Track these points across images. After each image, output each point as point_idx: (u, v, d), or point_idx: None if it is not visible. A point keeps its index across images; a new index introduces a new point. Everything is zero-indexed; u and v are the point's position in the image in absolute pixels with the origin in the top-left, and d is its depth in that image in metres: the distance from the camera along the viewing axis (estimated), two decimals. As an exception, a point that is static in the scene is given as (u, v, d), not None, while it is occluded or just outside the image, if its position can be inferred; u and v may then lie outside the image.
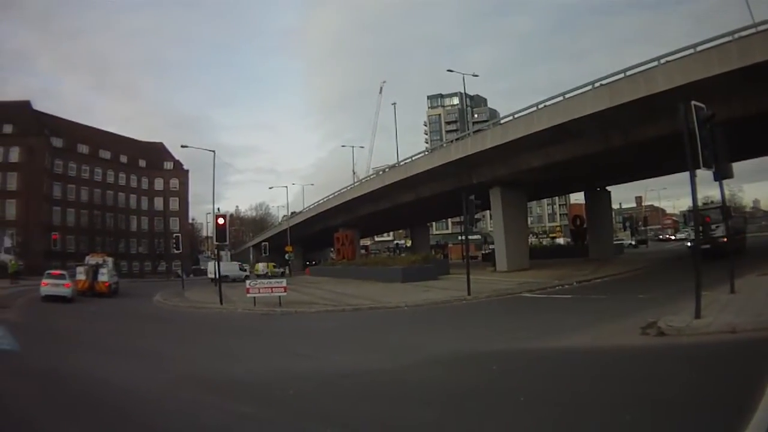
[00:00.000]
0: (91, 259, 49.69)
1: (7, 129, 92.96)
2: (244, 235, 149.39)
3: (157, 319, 32.70)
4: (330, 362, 15.83)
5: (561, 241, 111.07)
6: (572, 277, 37.87)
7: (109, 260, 51.32)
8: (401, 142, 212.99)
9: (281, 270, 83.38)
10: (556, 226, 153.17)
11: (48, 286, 40.03)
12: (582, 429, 8.34)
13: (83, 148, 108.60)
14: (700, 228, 33.72)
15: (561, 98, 38.76)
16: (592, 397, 9.86)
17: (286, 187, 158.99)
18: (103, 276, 46.92)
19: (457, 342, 17.79)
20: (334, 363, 15.60)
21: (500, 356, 14.62)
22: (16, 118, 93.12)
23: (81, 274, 46.78)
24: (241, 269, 78.44)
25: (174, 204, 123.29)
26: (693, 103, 15.62)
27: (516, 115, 43.39)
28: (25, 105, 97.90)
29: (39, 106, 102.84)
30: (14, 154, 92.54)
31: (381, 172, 70.58)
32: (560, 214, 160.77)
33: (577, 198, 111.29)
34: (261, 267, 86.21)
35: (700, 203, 31.55)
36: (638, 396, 9.61)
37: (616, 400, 9.54)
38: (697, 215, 22.04)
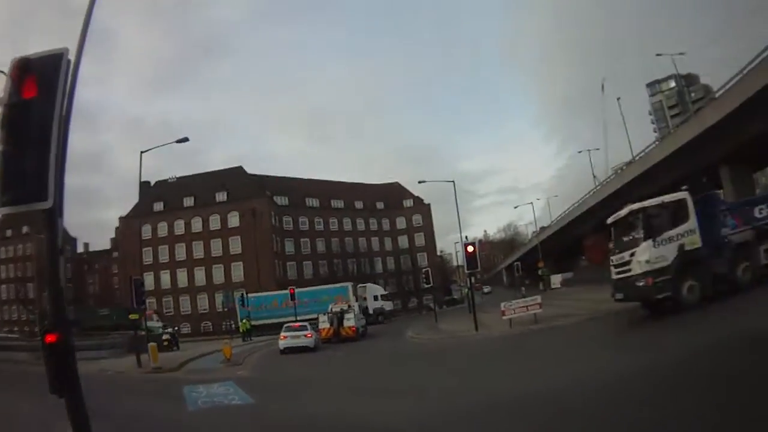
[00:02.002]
0: (335, 306, 50.29)
1: (221, 197, 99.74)
2: (495, 258, 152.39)
3: (408, 355, 32.53)
4: (591, 369, 15.81)
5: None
6: None
7: (355, 305, 52.34)
8: (631, 135, 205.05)
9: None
10: None
11: (287, 339, 39.95)
12: None
13: (312, 202, 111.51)
14: None
15: None
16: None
17: (531, 203, 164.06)
18: (350, 321, 46.72)
19: None
20: (595, 370, 15.39)
21: None
22: (230, 185, 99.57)
23: (324, 322, 47.15)
24: None
25: (419, 239, 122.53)
26: None
27: (727, 86, 40.73)
28: (238, 170, 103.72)
29: (253, 168, 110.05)
30: (234, 219, 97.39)
31: (619, 171, 69.92)
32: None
33: None
34: None
35: None
36: None
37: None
38: None
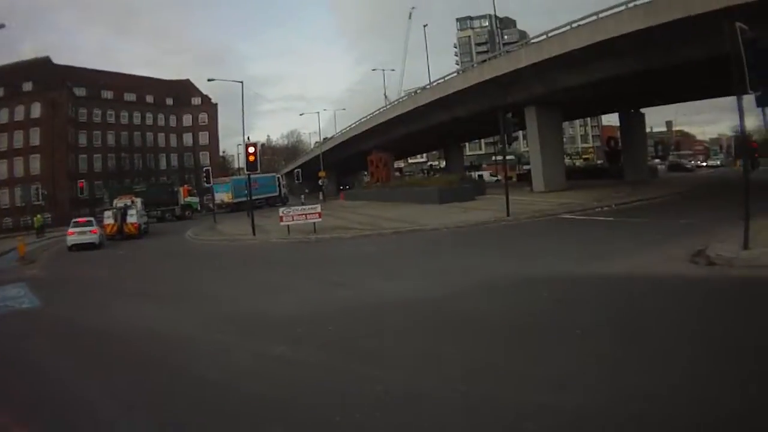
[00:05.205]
0: (119, 202, 48.79)
1: (28, 87, 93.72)
2: (276, 164, 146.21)
3: (187, 256, 32.61)
4: (371, 291, 15.70)
5: (599, 162, 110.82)
6: (611, 198, 37.20)
7: (138, 201, 50.53)
8: (432, 65, 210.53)
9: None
10: (589, 148, 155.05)
11: (74, 235, 39.65)
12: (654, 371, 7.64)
13: (107, 94, 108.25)
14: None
15: (594, 17, 38.15)
16: (660, 334, 9.31)
17: (318, 113, 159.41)
18: (132, 217, 45.95)
19: (503, 266, 17.81)
20: (376, 292, 15.45)
21: (550, 282, 14.18)
22: (36, 75, 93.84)
23: (109, 218, 46.07)
24: None
25: (204, 139, 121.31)
26: (738, 24, 14.99)
27: (549, 34, 42.59)
28: (45, 61, 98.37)
29: (60, 59, 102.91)
30: (36, 110, 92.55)
31: (413, 94, 69.40)
32: (592, 136, 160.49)
33: (609, 120, 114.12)
34: None
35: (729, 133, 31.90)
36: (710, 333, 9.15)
37: (684, 334, 9.20)
38: (744, 142, 21.97)
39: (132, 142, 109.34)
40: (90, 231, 40.08)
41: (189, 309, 15.86)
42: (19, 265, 32.81)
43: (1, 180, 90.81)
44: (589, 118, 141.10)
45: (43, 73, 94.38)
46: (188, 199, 76.61)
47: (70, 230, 40.22)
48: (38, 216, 63.34)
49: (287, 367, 9.50)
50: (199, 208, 69.57)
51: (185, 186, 76.68)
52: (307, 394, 8.05)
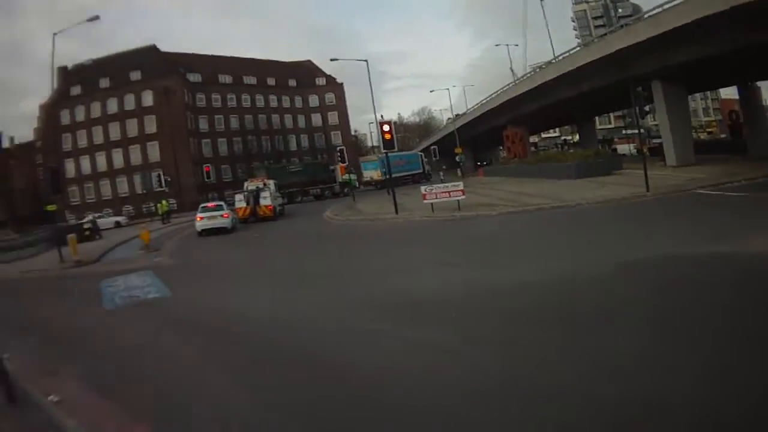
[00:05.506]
0: (251, 184, 47.69)
1: (136, 76, 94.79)
2: (410, 141, 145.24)
3: (326, 237, 31.95)
4: (516, 272, 14.96)
5: (722, 135, 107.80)
6: (739, 174, 34.18)
7: (271, 182, 49.47)
8: (553, 40, 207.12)
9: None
10: (712, 121, 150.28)
11: (203, 220, 38.36)
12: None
13: (225, 78, 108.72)
14: None
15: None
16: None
17: (448, 89, 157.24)
18: (266, 199, 45.03)
19: (650, 244, 16.48)
20: (521, 273, 14.69)
21: (707, 264, 13.16)
22: (144, 64, 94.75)
23: (240, 201, 45.20)
24: None
25: (333, 118, 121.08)
26: None
27: (665, 6, 40.02)
28: (152, 49, 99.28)
29: (167, 47, 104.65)
30: (147, 98, 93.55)
31: (538, 69, 66.99)
32: (713, 109, 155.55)
33: (728, 93, 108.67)
34: None
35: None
36: None
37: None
38: None
39: (257, 125, 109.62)
40: (221, 215, 38.80)
41: (331, 295, 15.10)
42: (144, 253, 31.93)
43: (117, 168, 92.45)
44: (708, 92, 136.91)
45: (151, 61, 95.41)
46: (346, 176, 75.27)
47: (199, 215, 38.96)
48: (163, 202, 62.36)
49: (440, 356, 8.89)
50: (357, 185, 69.49)
51: (341, 164, 77.22)
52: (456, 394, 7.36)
